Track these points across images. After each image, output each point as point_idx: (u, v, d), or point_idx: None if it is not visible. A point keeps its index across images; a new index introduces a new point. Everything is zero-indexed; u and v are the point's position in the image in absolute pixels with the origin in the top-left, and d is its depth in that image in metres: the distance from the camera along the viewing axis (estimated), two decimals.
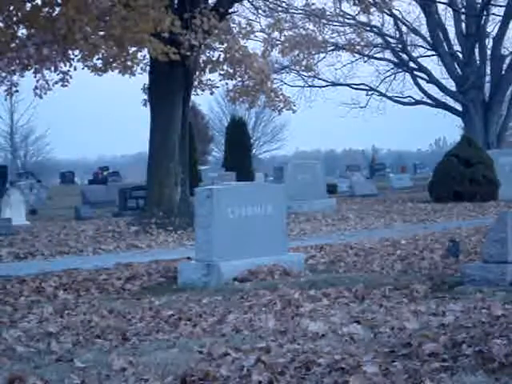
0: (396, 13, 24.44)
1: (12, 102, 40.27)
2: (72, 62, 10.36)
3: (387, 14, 23.88)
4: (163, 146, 11.49)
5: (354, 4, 13.91)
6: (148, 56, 11.70)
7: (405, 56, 25.91)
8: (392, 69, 27.25)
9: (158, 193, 11.43)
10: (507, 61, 24.41)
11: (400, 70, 27.09)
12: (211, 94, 13.66)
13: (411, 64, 25.98)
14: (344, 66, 26.47)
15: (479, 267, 4.86)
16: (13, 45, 9.41)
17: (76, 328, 4.16)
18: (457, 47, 25.05)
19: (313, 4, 14.79)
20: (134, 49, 10.45)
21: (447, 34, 24.88)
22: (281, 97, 13.29)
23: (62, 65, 10.39)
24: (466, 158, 14.33)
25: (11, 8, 8.98)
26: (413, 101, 27.38)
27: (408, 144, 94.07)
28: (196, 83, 12.87)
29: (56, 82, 10.41)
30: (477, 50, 24.40)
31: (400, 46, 25.82)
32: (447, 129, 74.67)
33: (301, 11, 15.68)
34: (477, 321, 3.59)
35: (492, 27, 25.24)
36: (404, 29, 25.83)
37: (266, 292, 4.93)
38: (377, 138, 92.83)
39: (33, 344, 3.77)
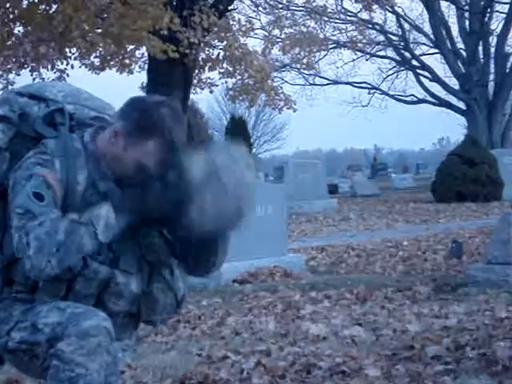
0: (398, 10, 24.42)
1: None
2: (69, 59, 10.36)
3: (389, 12, 23.84)
4: None
5: (356, 1, 13.89)
6: (146, 54, 11.67)
7: (407, 54, 25.86)
8: (394, 67, 27.22)
9: None
10: (511, 59, 24.34)
11: (402, 68, 27.04)
12: (211, 92, 13.66)
13: (414, 62, 25.92)
14: (345, 63, 26.47)
15: (483, 268, 4.82)
16: (9, 43, 9.41)
17: None
18: (460, 45, 24.99)
19: (314, 1, 14.76)
20: (132, 46, 10.44)
21: (450, 32, 24.81)
22: (281, 95, 13.24)
23: (58, 63, 10.40)
24: (470, 157, 14.25)
25: (7, 5, 8.96)
26: (415, 99, 27.32)
27: (410, 143, 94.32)
28: (195, 81, 12.83)
29: (53, 80, 10.38)
30: (480, 48, 24.33)
31: (402, 43, 25.76)
32: (450, 128, 74.90)
33: (302, 8, 15.64)
34: (480, 323, 3.56)
35: (496, 25, 25.20)
36: (406, 26, 25.80)
37: (266, 294, 4.89)
38: (379, 137, 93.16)
39: None
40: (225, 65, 12.42)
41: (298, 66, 18.35)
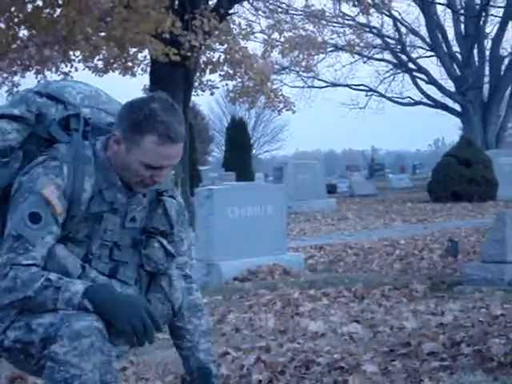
0: (395, 14, 24.50)
1: None
2: (73, 62, 10.43)
3: (386, 15, 23.92)
4: None
5: (354, 5, 13.98)
6: (148, 57, 11.73)
7: (404, 57, 25.95)
8: (391, 69, 27.30)
9: None
10: (506, 62, 24.44)
11: (399, 71, 27.13)
12: (211, 94, 13.73)
13: (410, 65, 26.01)
14: (343, 66, 26.60)
15: (478, 267, 4.83)
16: (14, 46, 9.46)
17: None
18: (456, 48, 25.09)
19: (312, 5, 14.86)
20: (134, 50, 10.50)
21: (446, 35, 24.92)
22: (281, 97, 13.32)
23: (63, 66, 10.46)
24: (465, 158, 14.34)
25: (12, 9, 9.02)
26: (412, 101, 27.43)
27: (407, 144, 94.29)
28: (196, 84, 12.90)
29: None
30: (476, 51, 24.42)
31: (399, 46, 25.85)
32: (446, 129, 74.82)
33: (300, 12, 15.71)
34: (476, 320, 3.58)
35: (491, 28, 25.38)
36: (403, 30, 25.89)
37: (265, 291, 4.92)
38: (376, 138, 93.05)
39: None
40: (225, 67, 12.50)
41: (297, 68, 18.41)
